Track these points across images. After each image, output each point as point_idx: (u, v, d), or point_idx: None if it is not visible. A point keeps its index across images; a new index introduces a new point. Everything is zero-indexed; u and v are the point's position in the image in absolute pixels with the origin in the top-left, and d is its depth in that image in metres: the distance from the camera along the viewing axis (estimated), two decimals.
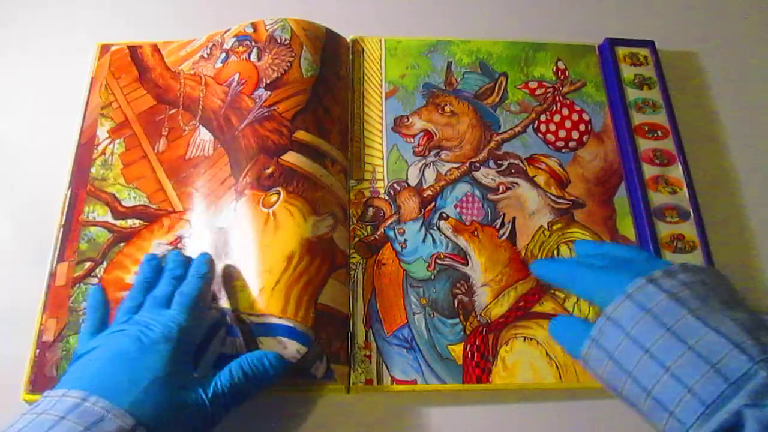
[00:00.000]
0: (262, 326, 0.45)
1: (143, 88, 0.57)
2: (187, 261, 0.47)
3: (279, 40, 0.55)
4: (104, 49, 0.60)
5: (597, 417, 0.46)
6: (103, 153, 0.53)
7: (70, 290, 0.48)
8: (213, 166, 0.52)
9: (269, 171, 0.49)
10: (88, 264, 0.49)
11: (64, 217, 0.52)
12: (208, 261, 0.46)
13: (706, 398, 0.30)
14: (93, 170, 0.53)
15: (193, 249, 0.49)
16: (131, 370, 0.37)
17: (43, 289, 0.49)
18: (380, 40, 0.61)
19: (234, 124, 0.52)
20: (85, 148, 0.55)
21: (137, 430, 0.34)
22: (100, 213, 0.51)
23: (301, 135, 0.52)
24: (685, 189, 0.54)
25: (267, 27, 0.56)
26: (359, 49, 0.60)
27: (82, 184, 0.53)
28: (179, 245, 0.50)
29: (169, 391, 0.37)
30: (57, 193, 0.53)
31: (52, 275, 0.49)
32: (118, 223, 0.51)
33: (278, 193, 0.49)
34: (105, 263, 0.49)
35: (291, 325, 0.44)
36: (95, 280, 0.49)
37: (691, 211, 0.53)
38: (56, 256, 0.50)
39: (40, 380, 0.45)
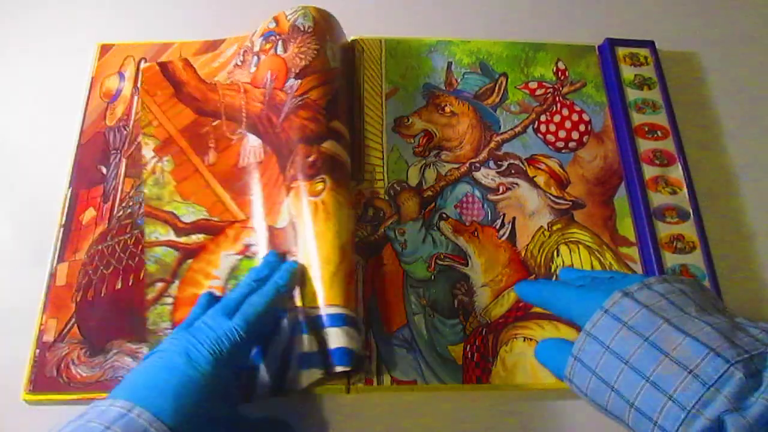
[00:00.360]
0: (329, 317, 0.44)
1: (181, 103, 0.56)
2: (279, 262, 0.46)
3: (302, 28, 0.54)
4: (104, 48, 0.60)
5: (597, 417, 0.46)
6: (153, 172, 0.53)
7: (146, 313, 0.48)
8: (266, 170, 0.51)
9: (311, 159, 0.48)
10: (159, 285, 0.49)
11: (64, 217, 0.52)
12: (291, 271, 0.45)
13: (686, 404, 0.30)
14: (146, 191, 0.52)
15: (262, 256, 0.49)
16: (176, 384, 0.36)
17: (43, 289, 0.49)
18: (380, 41, 0.61)
19: (274, 122, 0.52)
20: (86, 149, 0.55)
21: None
22: (161, 232, 0.51)
23: (336, 125, 0.51)
24: (685, 189, 0.54)
25: (288, 17, 0.55)
26: (359, 49, 0.60)
27: (83, 184, 0.53)
28: (248, 254, 0.49)
29: (210, 409, 0.36)
30: (57, 193, 0.53)
31: (53, 275, 0.50)
32: (182, 240, 0.50)
33: (324, 181, 0.48)
34: (177, 282, 0.49)
35: (353, 315, 0.45)
36: (170, 300, 0.48)
37: (691, 211, 0.53)
38: (56, 256, 0.50)
39: (40, 380, 0.46)
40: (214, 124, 0.54)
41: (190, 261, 0.50)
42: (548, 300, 0.42)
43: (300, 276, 0.46)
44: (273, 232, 0.49)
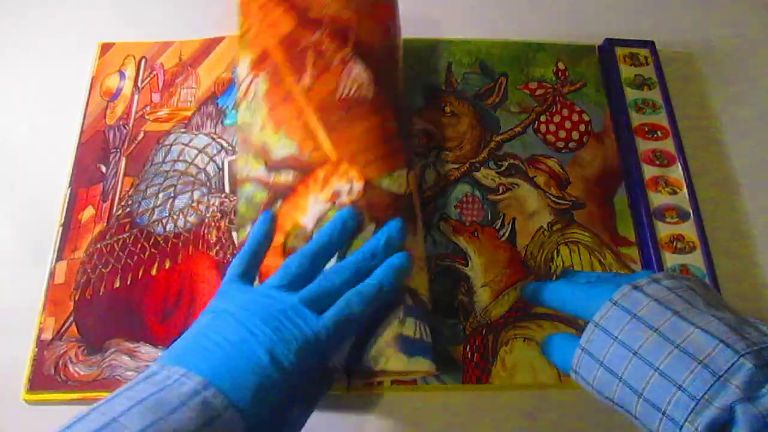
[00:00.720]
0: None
1: (282, 5, 0.45)
2: (395, 241, 0.41)
3: None
4: (105, 48, 0.60)
5: (596, 417, 0.46)
6: (246, 95, 0.44)
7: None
8: (377, 115, 0.43)
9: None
10: (249, 227, 0.43)
11: (64, 217, 0.52)
12: (401, 271, 0.40)
13: (695, 393, 0.30)
14: (239, 116, 0.44)
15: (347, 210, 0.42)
16: (257, 379, 0.34)
17: (43, 289, 0.49)
18: None
19: (396, 57, 0.43)
20: (86, 147, 0.55)
21: None
22: (254, 166, 0.43)
23: None
24: (685, 189, 0.54)
25: None
26: None
27: (82, 183, 0.53)
28: (336, 202, 0.42)
29: (285, 409, 0.35)
30: (57, 192, 0.53)
31: (52, 274, 0.50)
32: (272, 178, 0.43)
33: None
34: None
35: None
36: None
37: (691, 211, 0.53)
38: (56, 255, 0.50)
39: (38, 378, 0.45)
40: (315, 37, 0.44)
41: (279, 203, 0.43)
42: (555, 298, 0.42)
43: (408, 271, 0.41)
44: (372, 190, 0.42)
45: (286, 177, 0.43)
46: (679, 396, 0.31)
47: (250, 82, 0.45)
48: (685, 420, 0.30)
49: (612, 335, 0.34)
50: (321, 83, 0.44)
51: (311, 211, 0.42)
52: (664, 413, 0.31)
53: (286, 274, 0.39)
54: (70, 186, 0.53)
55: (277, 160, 0.43)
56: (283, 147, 0.43)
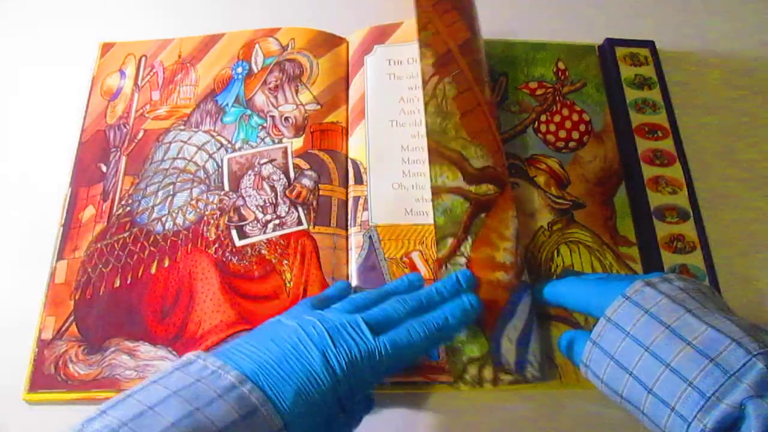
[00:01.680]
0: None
1: (455, 11, 0.45)
2: (469, 283, 0.42)
3: None
4: (105, 47, 0.60)
5: (596, 417, 0.46)
6: (434, 95, 0.43)
7: (440, 270, 0.41)
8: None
9: None
10: (450, 240, 0.42)
11: (65, 216, 0.52)
12: (468, 311, 0.40)
13: (705, 390, 0.30)
14: (428, 120, 0.43)
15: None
16: (303, 377, 0.34)
17: (43, 288, 0.49)
18: None
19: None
20: (86, 147, 0.55)
21: None
22: (449, 177, 0.43)
23: None
24: (685, 189, 0.54)
25: None
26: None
27: (82, 183, 0.54)
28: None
29: (327, 414, 0.35)
30: (58, 191, 0.53)
31: (52, 274, 0.50)
32: (473, 188, 0.42)
33: None
34: (470, 239, 0.42)
35: None
36: (463, 260, 0.42)
37: (691, 211, 0.53)
38: (56, 254, 0.50)
39: (38, 378, 0.45)
40: (483, 53, 0.44)
41: (483, 215, 0.42)
42: (566, 295, 0.41)
43: (475, 315, 0.41)
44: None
45: (486, 189, 0.43)
46: (689, 393, 0.31)
47: (437, 83, 0.44)
48: (694, 417, 0.30)
49: (624, 330, 0.34)
50: (494, 100, 0.44)
51: (512, 225, 0.43)
52: (673, 409, 0.31)
53: (351, 300, 0.40)
54: (70, 185, 0.53)
55: (475, 172, 0.43)
56: (479, 158, 0.43)
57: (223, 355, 0.34)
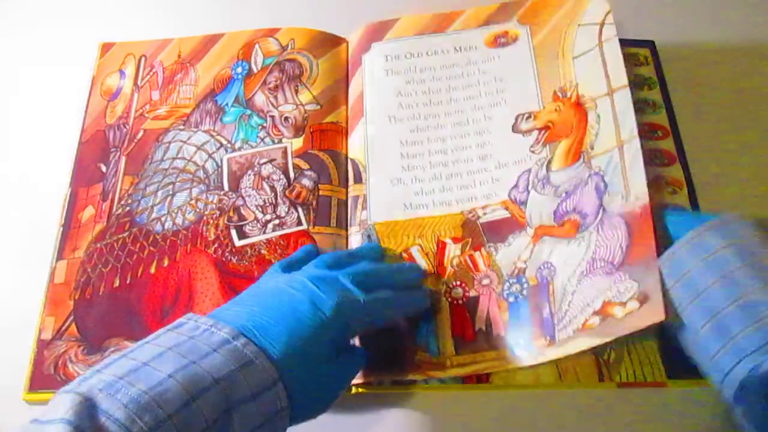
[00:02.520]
0: None
1: None
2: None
3: None
4: (105, 47, 0.60)
5: (596, 417, 0.46)
6: None
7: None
8: None
9: None
10: None
11: (64, 216, 0.52)
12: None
13: None
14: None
15: None
16: (293, 322, 0.35)
17: (43, 288, 0.49)
18: None
19: None
20: (86, 147, 0.55)
21: (276, 386, 0.33)
22: None
23: None
24: (685, 189, 0.54)
25: None
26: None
27: (82, 183, 0.54)
28: None
29: (320, 359, 0.36)
30: (57, 191, 0.53)
31: (52, 273, 0.50)
32: None
33: None
34: None
35: None
36: None
37: (691, 211, 0.53)
38: (56, 254, 0.50)
39: (38, 378, 0.46)
40: None
41: None
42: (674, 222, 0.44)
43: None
44: None
45: None
46: (759, 327, 0.32)
47: None
48: (754, 351, 0.31)
49: (716, 245, 0.36)
50: None
51: None
52: (732, 339, 0.32)
53: (321, 259, 0.43)
54: (70, 185, 0.53)
55: None
56: None
57: (213, 316, 0.35)
